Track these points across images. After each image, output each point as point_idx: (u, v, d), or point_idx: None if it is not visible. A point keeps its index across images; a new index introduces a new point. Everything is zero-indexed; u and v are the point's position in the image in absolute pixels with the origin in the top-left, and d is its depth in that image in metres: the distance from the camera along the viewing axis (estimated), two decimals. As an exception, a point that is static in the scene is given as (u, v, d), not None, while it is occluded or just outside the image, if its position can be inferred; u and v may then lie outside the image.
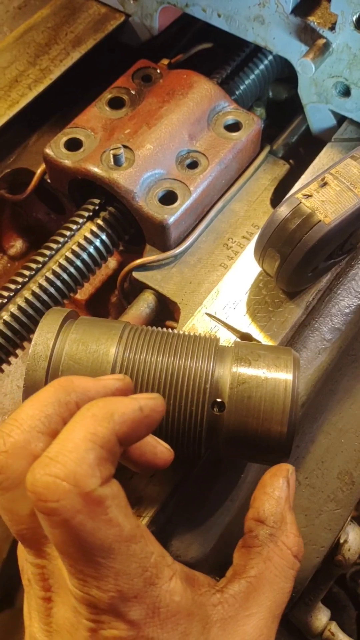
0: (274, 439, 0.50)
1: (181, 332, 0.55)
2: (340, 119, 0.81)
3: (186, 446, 0.52)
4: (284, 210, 0.59)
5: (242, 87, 0.88)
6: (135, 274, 0.75)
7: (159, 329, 0.56)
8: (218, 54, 0.93)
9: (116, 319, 0.73)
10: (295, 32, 0.74)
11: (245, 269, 0.70)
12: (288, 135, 0.88)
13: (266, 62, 0.90)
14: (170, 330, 0.56)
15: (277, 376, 0.50)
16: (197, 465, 0.57)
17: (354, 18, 0.68)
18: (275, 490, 0.49)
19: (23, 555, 0.47)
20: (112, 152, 0.73)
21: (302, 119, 0.90)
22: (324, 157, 0.77)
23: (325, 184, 0.59)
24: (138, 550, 0.42)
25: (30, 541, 0.44)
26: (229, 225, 0.79)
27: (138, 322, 0.74)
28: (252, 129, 0.79)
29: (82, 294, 0.85)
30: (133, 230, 0.78)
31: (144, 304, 0.74)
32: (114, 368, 0.51)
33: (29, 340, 0.72)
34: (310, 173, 0.76)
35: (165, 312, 0.76)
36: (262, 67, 0.90)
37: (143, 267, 0.75)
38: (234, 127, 0.79)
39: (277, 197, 0.82)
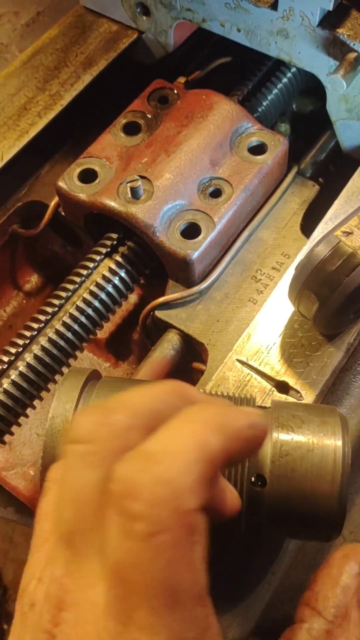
0: (323, 516, 0.44)
1: (217, 393, 0.50)
2: (374, 136, 0.75)
3: (224, 524, 0.46)
4: (322, 250, 0.53)
5: (264, 104, 0.82)
6: (158, 313, 0.70)
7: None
8: (237, 67, 0.87)
9: (141, 367, 0.69)
10: (322, 46, 0.68)
11: (277, 307, 0.64)
12: (316, 152, 0.82)
13: (289, 74, 0.84)
14: (204, 391, 0.51)
15: (324, 445, 0.45)
16: (235, 539, 0.52)
17: (389, 29, 0.62)
18: (343, 574, 0.41)
19: (40, 567, 0.35)
20: (129, 184, 0.67)
21: (330, 134, 0.84)
22: (359, 180, 0.71)
23: (366, 219, 0.53)
24: (201, 616, 0.32)
25: (73, 545, 0.33)
26: (256, 255, 0.73)
27: (163, 365, 0.69)
28: (279, 150, 0.73)
29: (102, 333, 0.80)
30: (154, 265, 0.73)
31: (168, 346, 0.69)
32: None
33: (47, 390, 0.67)
34: (345, 198, 0.70)
35: (192, 352, 0.71)
36: (285, 80, 0.84)
37: (166, 305, 0.70)
38: (259, 149, 0.74)
39: (307, 222, 0.76)
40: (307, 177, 0.80)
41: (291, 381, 0.59)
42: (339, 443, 0.45)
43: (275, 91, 0.83)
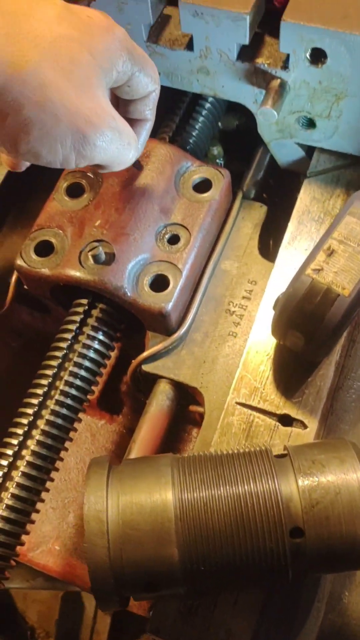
0: None
1: (231, 452, 0.52)
2: (309, 148, 0.77)
3: (271, 578, 0.48)
4: (297, 290, 0.55)
5: (195, 134, 0.83)
6: (145, 368, 0.71)
7: (207, 453, 0.52)
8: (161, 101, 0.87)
9: (141, 424, 0.69)
10: (245, 77, 0.69)
11: (259, 339, 0.66)
12: (254, 172, 0.84)
13: (211, 100, 0.85)
14: (219, 452, 0.52)
15: (349, 484, 0.47)
16: (284, 586, 0.54)
17: (307, 54, 0.64)
18: None
19: None
20: (90, 253, 0.68)
21: (262, 150, 0.85)
22: (306, 197, 0.73)
23: (332, 252, 0.55)
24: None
25: None
26: (224, 288, 0.75)
27: (162, 417, 0.70)
28: (223, 183, 0.74)
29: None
30: (128, 319, 0.74)
31: (162, 397, 0.70)
32: (177, 519, 0.47)
33: (56, 470, 0.67)
34: (297, 219, 0.72)
35: (186, 396, 0.72)
36: (208, 106, 0.85)
37: (151, 358, 0.71)
38: (204, 185, 0.75)
39: (264, 244, 0.78)
40: (251, 198, 0.82)
41: (292, 412, 0.61)
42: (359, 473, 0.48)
43: (201, 119, 0.84)
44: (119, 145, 0.55)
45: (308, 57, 0.64)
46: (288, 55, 0.65)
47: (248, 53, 0.68)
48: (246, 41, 0.65)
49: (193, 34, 0.66)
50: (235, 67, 0.69)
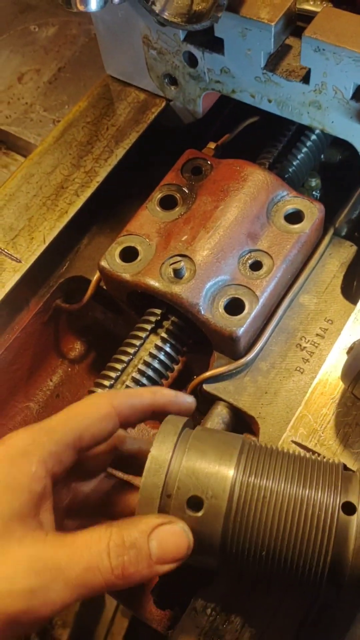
0: None
1: (303, 455, 0.52)
2: None
3: (305, 586, 0.48)
4: (375, 340, 0.54)
5: (295, 163, 0.83)
6: (206, 387, 0.71)
7: (279, 448, 0.52)
8: (264, 125, 0.87)
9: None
10: (356, 116, 0.69)
11: (326, 380, 0.65)
12: (349, 210, 0.83)
13: (318, 132, 0.84)
14: (291, 451, 0.52)
15: None
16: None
17: None
18: None
19: None
20: (172, 266, 0.69)
21: (361, 190, 0.84)
22: None
23: None
24: None
25: None
26: (299, 322, 0.74)
27: (214, 439, 0.70)
28: (315, 218, 0.74)
29: (149, 403, 0.81)
30: (197, 336, 0.74)
31: (218, 419, 0.70)
32: (232, 491, 0.48)
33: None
34: (386, 264, 0.70)
35: (241, 423, 0.72)
36: (314, 137, 0.84)
37: (213, 378, 0.71)
38: (295, 216, 0.74)
39: (348, 284, 0.77)
40: (342, 236, 0.81)
41: (349, 462, 0.59)
42: None
43: (304, 150, 0.84)
44: None
45: None
46: None
47: (363, 93, 0.67)
48: (364, 81, 0.65)
49: (311, 67, 0.66)
50: (349, 105, 0.68)
